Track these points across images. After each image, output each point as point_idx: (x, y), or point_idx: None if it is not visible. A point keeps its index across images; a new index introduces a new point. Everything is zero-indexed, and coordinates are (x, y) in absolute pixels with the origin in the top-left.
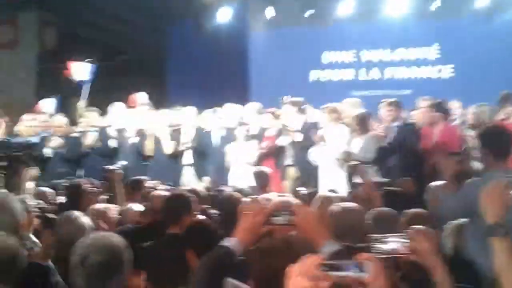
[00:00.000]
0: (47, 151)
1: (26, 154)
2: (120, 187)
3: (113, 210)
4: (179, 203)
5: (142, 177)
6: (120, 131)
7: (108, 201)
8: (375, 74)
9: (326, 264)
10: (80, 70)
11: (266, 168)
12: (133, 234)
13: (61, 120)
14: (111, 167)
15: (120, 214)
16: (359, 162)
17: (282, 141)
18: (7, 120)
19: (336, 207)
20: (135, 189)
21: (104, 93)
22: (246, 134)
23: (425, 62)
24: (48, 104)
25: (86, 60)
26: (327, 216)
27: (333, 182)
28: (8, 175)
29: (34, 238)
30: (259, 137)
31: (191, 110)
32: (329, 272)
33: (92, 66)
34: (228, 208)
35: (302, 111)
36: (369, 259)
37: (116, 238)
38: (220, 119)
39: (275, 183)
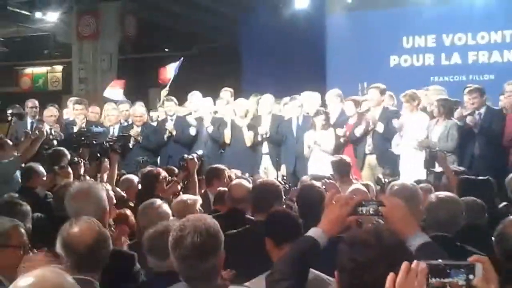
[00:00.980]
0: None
1: (108, 143)
2: (194, 177)
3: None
4: (270, 192)
5: (222, 166)
6: (198, 119)
7: (184, 190)
8: (456, 58)
9: (432, 270)
10: (170, 71)
11: (346, 157)
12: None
13: (141, 109)
14: (186, 156)
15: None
16: (438, 150)
17: (360, 129)
18: (92, 110)
19: (433, 197)
20: (214, 178)
21: (182, 82)
22: (325, 122)
23: (509, 45)
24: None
25: (173, 60)
26: (417, 207)
27: (414, 171)
28: (91, 164)
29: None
30: (339, 125)
31: (268, 98)
32: (436, 279)
33: (179, 62)
34: (309, 198)
35: (383, 98)
36: (480, 261)
37: (210, 220)
38: (298, 107)
39: (354, 172)
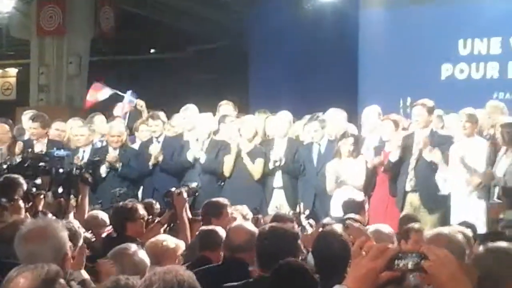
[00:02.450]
0: (102, 168)
1: (78, 171)
2: (183, 217)
3: (179, 247)
4: (283, 243)
5: (223, 200)
6: (190, 142)
7: (170, 232)
8: None
9: None
10: (103, 92)
11: (358, 196)
12: (215, 274)
13: (119, 127)
14: (173, 189)
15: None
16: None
17: (396, 153)
18: (55, 126)
19: (485, 248)
20: (213, 216)
21: (170, 92)
22: (353, 148)
23: None
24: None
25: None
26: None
27: (469, 214)
28: (55, 196)
29: (85, 275)
30: (376, 153)
31: (284, 116)
32: None
33: (129, 95)
34: (328, 248)
35: (431, 118)
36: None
37: (185, 273)
38: (322, 128)
39: (390, 214)
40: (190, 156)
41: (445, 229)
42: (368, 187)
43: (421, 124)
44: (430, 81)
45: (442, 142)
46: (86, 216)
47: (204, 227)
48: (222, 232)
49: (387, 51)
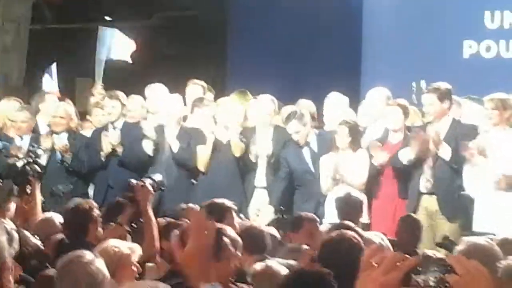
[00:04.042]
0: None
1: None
2: (148, 214)
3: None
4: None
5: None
6: (158, 129)
7: (133, 236)
8: None
9: None
10: None
11: (357, 193)
12: None
13: (66, 109)
14: (134, 181)
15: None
16: None
17: (410, 153)
18: None
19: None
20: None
21: (130, 69)
22: (351, 138)
23: None
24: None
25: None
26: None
27: (498, 220)
28: None
29: None
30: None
31: (268, 101)
32: None
33: None
34: (338, 257)
35: (450, 105)
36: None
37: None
38: (302, 126)
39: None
40: (147, 147)
41: (480, 239)
42: (373, 187)
43: (433, 114)
44: (449, 60)
45: (467, 134)
46: (38, 220)
47: None
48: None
49: (397, 24)
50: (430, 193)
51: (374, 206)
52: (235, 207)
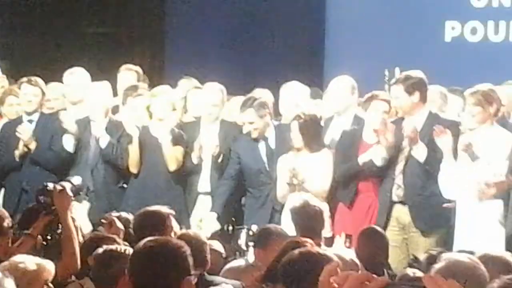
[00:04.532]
0: None
1: None
2: (68, 222)
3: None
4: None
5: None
6: (81, 122)
7: (45, 248)
8: None
9: None
10: None
11: (316, 202)
12: None
13: None
14: (50, 184)
15: None
16: None
17: (382, 152)
18: None
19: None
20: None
21: (51, 50)
22: (310, 134)
23: None
24: None
25: None
26: None
27: (482, 232)
28: None
29: None
30: (346, 144)
31: (215, 90)
32: None
33: None
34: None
35: (423, 97)
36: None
37: None
38: (259, 118)
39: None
40: (68, 143)
41: (462, 256)
42: (345, 195)
43: (400, 109)
44: (429, 44)
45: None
46: None
47: None
48: None
49: (367, 2)
50: (402, 202)
51: (347, 217)
52: (173, 212)
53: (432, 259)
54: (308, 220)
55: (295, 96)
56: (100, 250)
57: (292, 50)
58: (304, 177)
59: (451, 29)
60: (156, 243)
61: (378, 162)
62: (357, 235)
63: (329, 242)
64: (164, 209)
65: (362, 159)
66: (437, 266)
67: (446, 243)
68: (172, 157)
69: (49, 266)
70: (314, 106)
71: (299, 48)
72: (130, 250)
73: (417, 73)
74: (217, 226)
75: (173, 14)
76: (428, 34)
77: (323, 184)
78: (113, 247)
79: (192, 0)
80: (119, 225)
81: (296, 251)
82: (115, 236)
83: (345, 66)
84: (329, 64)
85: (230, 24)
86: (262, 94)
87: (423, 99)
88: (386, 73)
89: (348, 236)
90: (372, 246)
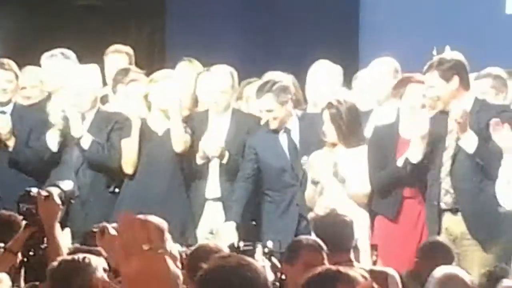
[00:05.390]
0: None
1: None
2: (54, 234)
3: None
4: None
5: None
6: (66, 117)
7: (26, 265)
8: None
9: None
10: None
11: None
12: None
13: None
14: (34, 189)
15: None
16: None
17: (419, 148)
18: None
19: None
20: None
21: (31, 27)
22: (347, 128)
23: None
24: None
25: None
26: None
27: None
28: None
29: None
30: (382, 143)
31: (224, 74)
32: None
33: None
34: None
35: (465, 83)
36: None
37: None
38: (279, 105)
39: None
40: (52, 140)
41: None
42: (387, 205)
43: (438, 101)
44: (486, 18)
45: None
46: None
47: None
48: None
49: None
50: (453, 209)
51: (390, 231)
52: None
53: (492, 277)
54: (334, 233)
55: (326, 78)
56: (54, 263)
57: (316, 24)
58: (343, 174)
59: None
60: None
61: (414, 159)
62: (415, 250)
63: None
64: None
65: (401, 160)
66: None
67: (509, 258)
68: (180, 137)
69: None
70: (349, 92)
71: (325, 21)
72: (92, 259)
73: (453, 55)
74: (235, 238)
75: None
76: (485, 6)
77: (364, 186)
78: (68, 257)
79: None
80: (114, 233)
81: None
82: (100, 249)
83: (382, 44)
84: (364, 42)
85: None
86: (280, 77)
87: (465, 85)
88: (434, 52)
89: (374, 247)
90: (436, 263)
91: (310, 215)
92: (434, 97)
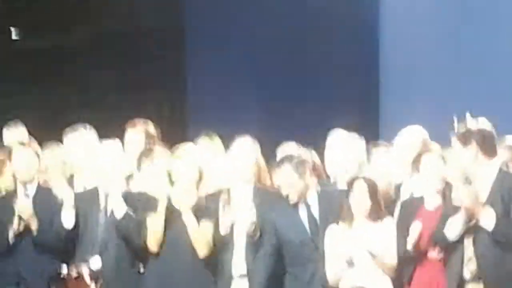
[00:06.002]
0: None
1: None
2: None
3: None
4: None
5: None
6: (85, 195)
7: None
8: None
9: None
10: None
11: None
12: None
13: None
14: (64, 270)
15: None
16: None
17: (458, 223)
18: None
19: None
20: None
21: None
22: (373, 201)
23: None
24: None
25: None
26: None
27: None
28: None
29: None
30: (408, 217)
31: (250, 147)
32: None
33: None
34: None
35: (490, 151)
36: None
37: None
38: (297, 177)
39: None
40: (67, 221)
41: None
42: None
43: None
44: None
45: None
46: None
47: None
48: None
49: (430, 29)
50: (476, 279)
51: None
52: None
53: None
54: None
55: (349, 149)
56: None
57: (336, 91)
58: (371, 249)
59: None
60: None
61: (452, 237)
62: None
63: None
64: None
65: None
66: None
67: None
68: (201, 240)
69: None
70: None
71: (345, 88)
72: None
73: (478, 123)
74: None
75: (193, 56)
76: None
77: (392, 257)
78: None
79: (215, 41)
80: None
81: None
82: None
83: (402, 112)
84: (384, 108)
85: (262, 64)
86: (298, 151)
87: (489, 153)
88: (455, 120)
89: None
90: None
91: None
92: (457, 168)
